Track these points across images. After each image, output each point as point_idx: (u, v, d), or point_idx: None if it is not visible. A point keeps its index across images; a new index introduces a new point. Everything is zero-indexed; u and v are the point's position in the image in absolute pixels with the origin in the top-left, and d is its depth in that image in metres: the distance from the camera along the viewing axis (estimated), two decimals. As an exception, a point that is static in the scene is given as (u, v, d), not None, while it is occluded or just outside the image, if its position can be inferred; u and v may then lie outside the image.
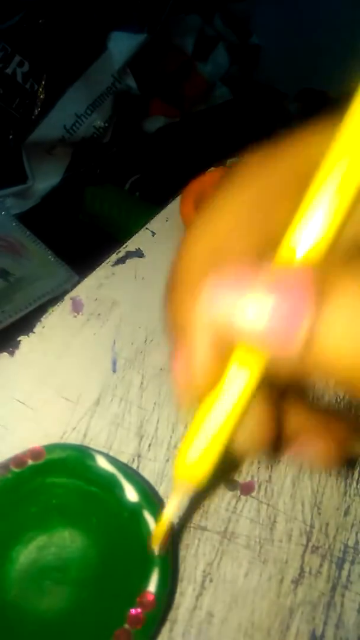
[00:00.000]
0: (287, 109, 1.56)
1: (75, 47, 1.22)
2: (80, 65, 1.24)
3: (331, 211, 0.19)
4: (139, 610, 0.30)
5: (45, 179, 1.31)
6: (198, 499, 0.38)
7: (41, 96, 1.21)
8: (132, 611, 0.30)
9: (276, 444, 0.26)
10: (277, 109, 1.55)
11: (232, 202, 0.24)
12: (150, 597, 0.30)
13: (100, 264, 0.52)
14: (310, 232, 0.20)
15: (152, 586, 0.30)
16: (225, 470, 0.26)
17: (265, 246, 0.21)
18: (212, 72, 1.60)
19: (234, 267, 0.19)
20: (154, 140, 1.46)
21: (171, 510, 0.28)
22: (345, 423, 0.27)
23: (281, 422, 0.25)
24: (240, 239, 0.23)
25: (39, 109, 1.22)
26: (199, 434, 0.23)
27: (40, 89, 1.21)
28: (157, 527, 0.30)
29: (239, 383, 0.21)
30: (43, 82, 1.21)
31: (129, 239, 0.55)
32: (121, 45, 1.25)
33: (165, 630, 0.33)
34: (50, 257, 1.15)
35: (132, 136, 1.44)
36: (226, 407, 0.22)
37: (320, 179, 0.20)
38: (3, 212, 1.19)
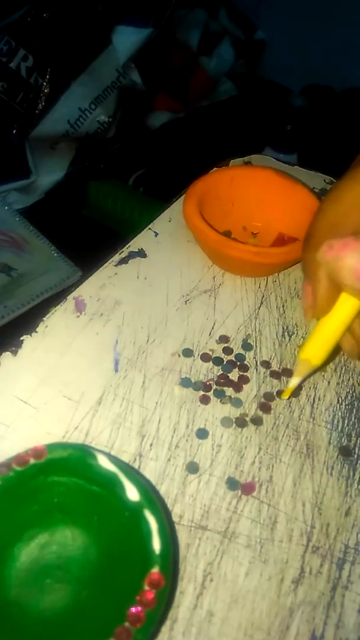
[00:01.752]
0: (292, 104, 1.56)
1: (80, 41, 1.22)
2: (84, 59, 1.23)
3: None
4: (139, 608, 0.30)
5: (48, 174, 1.31)
6: (199, 499, 0.38)
7: (45, 90, 1.21)
8: (133, 609, 0.30)
9: None
10: (282, 105, 1.54)
11: (355, 187, 0.37)
12: (151, 596, 0.30)
13: (104, 263, 0.52)
14: None
15: (153, 584, 0.30)
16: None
17: None
18: (217, 67, 1.60)
19: (344, 237, 0.34)
20: (158, 135, 1.45)
21: (295, 382, 0.41)
22: None
23: None
24: (355, 220, 0.36)
25: (43, 104, 1.22)
26: (319, 334, 0.39)
27: (45, 84, 1.21)
28: (286, 391, 0.43)
29: (345, 308, 0.38)
30: (47, 77, 1.21)
31: (132, 237, 0.55)
32: (126, 40, 1.25)
33: (165, 629, 0.33)
34: (53, 252, 1.15)
35: (136, 131, 1.44)
36: (338, 320, 0.39)
37: None
38: (6, 207, 1.19)
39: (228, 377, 0.45)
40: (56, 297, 0.49)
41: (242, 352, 0.47)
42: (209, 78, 1.58)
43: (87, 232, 1.27)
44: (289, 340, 0.48)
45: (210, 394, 0.44)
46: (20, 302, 1.04)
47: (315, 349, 0.40)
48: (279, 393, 0.44)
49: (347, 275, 0.34)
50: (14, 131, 1.22)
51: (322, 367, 0.43)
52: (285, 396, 0.42)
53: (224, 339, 0.47)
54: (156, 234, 0.56)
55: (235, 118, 1.48)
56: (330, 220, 0.37)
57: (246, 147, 0.69)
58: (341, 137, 1.33)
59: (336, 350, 0.42)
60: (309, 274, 0.38)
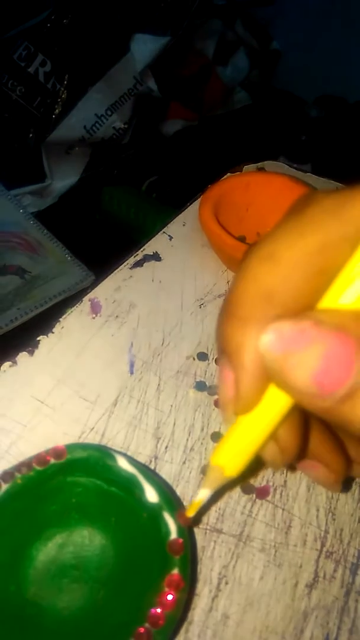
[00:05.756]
0: (306, 114, 1.56)
1: (98, 48, 1.23)
2: (102, 66, 1.25)
3: None
4: (159, 610, 0.30)
5: (63, 178, 1.33)
6: (214, 502, 0.38)
7: (62, 96, 1.22)
8: (153, 611, 0.30)
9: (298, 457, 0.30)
10: (296, 115, 1.55)
11: (297, 244, 0.24)
12: (171, 597, 0.30)
13: (118, 266, 0.53)
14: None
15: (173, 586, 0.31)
16: (245, 475, 0.29)
17: (321, 292, 0.23)
18: (231, 76, 1.61)
19: (289, 317, 0.22)
20: (172, 142, 1.46)
21: (204, 495, 0.31)
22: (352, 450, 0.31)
23: (306, 438, 0.29)
24: (297, 286, 0.24)
25: (60, 109, 1.23)
26: (238, 437, 0.28)
27: (62, 89, 1.22)
28: (190, 507, 0.32)
29: (276, 406, 0.26)
30: (65, 82, 1.22)
31: (145, 240, 0.56)
32: (144, 48, 1.26)
33: (181, 631, 0.33)
34: (66, 255, 1.16)
35: (151, 138, 1.45)
36: (264, 421, 0.26)
37: None
38: (21, 210, 1.20)
39: (243, 382, 0.45)
40: (69, 300, 0.49)
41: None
42: (223, 87, 1.59)
43: (100, 236, 1.27)
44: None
45: (226, 398, 0.44)
46: (33, 304, 1.05)
47: (232, 455, 0.28)
48: None
49: (299, 380, 0.21)
50: (31, 135, 1.23)
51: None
52: (191, 512, 0.32)
53: (239, 344, 0.48)
54: (171, 238, 0.56)
55: (249, 127, 1.49)
56: (263, 285, 0.24)
57: (260, 156, 0.70)
58: (355, 148, 1.34)
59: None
60: (230, 356, 0.25)
